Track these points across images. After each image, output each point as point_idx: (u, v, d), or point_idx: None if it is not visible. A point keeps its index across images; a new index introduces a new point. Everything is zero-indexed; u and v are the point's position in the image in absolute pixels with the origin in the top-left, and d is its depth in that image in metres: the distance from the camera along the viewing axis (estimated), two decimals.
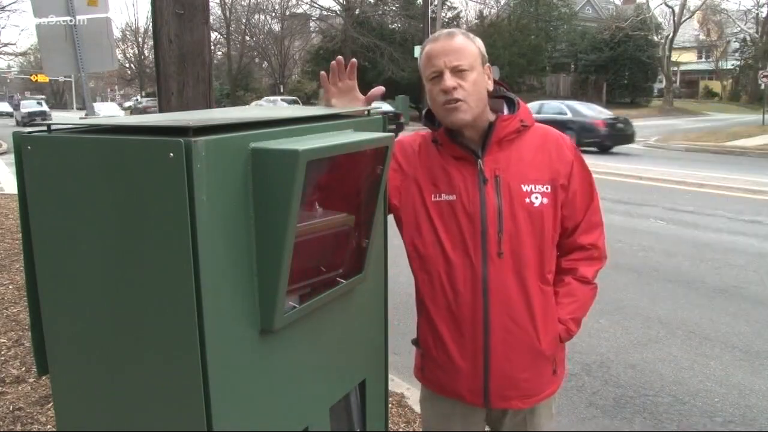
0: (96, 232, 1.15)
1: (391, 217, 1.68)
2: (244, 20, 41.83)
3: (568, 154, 1.66)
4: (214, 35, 38.27)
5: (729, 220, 8.09)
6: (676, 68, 43.12)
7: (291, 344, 1.30)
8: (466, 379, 1.65)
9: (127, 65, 51.45)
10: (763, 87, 26.25)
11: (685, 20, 36.96)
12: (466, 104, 1.54)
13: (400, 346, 2.13)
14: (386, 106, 21.73)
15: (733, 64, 44.35)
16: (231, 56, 42.66)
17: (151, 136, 1.07)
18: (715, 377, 3.78)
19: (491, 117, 1.63)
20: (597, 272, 1.74)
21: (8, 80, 65.25)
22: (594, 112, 16.16)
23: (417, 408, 3.09)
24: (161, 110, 3.41)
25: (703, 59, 47.91)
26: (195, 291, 1.04)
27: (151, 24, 3.71)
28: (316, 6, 38.27)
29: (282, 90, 40.43)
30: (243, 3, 41.46)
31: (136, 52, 51.15)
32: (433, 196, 1.64)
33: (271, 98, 32.95)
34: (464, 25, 37.47)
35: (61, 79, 47.26)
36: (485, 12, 40.57)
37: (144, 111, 34.47)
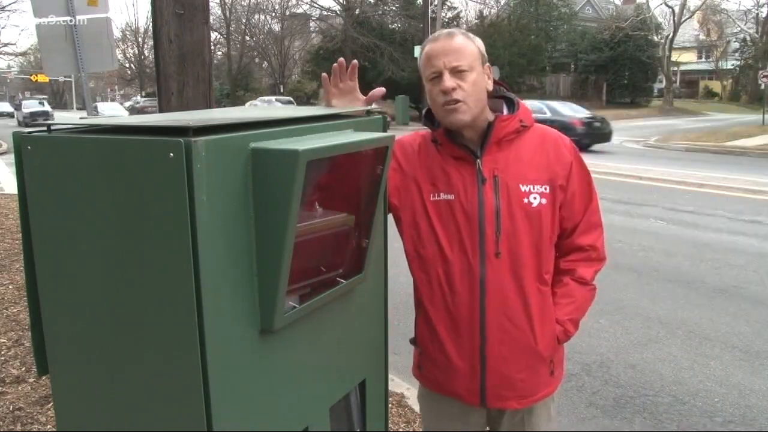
0: (96, 232, 1.15)
1: (390, 217, 1.69)
2: (244, 20, 41.84)
3: (567, 154, 1.66)
4: (214, 35, 38.29)
5: (729, 220, 8.09)
6: (676, 68, 43.13)
7: (291, 344, 1.30)
8: (462, 379, 1.66)
9: (127, 65, 51.45)
10: (763, 87, 26.26)
11: (685, 20, 36.97)
12: (465, 105, 1.54)
13: (400, 346, 2.13)
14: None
15: (733, 64, 44.36)
16: (231, 56, 42.66)
17: (151, 136, 1.07)
18: (715, 377, 3.78)
19: (490, 117, 1.63)
20: (596, 273, 1.74)
21: (8, 80, 65.25)
22: (573, 112, 16.38)
23: (417, 408, 3.09)
24: (161, 110, 3.42)
25: (703, 59, 47.92)
26: (195, 291, 1.04)
27: (151, 24, 3.71)
28: (316, 6, 38.28)
29: (282, 90, 40.45)
30: (243, 3, 41.51)
31: (136, 52, 51.18)
32: (431, 195, 1.64)
33: (266, 98, 33.18)
34: (464, 25, 37.46)
35: (61, 79, 47.24)
36: (485, 12, 40.59)
37: (141, 111, 34.45)
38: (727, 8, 42.14)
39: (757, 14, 40.73)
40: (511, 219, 1.58)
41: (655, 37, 36.64)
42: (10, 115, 41.61)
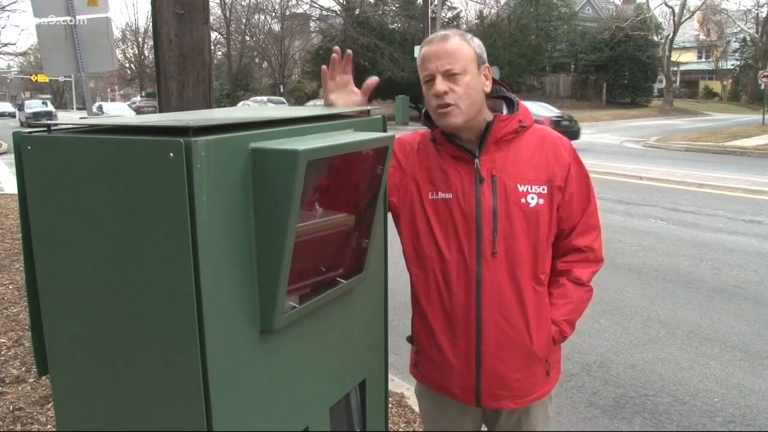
0: (96, 232, 1.15)
1: (390, 217, 1.69)
2: (244, 20, 41.84)
3: (566, 156, 1.66)
4: (214, 35, 38.30)
5: (729, 220, 8.09)
6: (676, 68, 43.14)
7: (291, 344, 1.30)
8: (458, 377, 1.66)
9: (127, 65, 51.45)
10: (763, 87, 26.24)
11: (685, 20, 36.97)
12: (457, 108, 1.54)
13: (400, 346, 2.13)
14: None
15: (733, 64, 44.36)
16: (231, 56, 42.66)
17: (151, 136, 1.07)
18: (715, 377, 3.78)
19: (489, 117, 1.62)
20: (593, 275, 1.74)
21: (8, 80, 65.25)
22: (545, 111, 17.32)
23: (417, 408, 3.09)
24: (161, 110, 3.42)
25: (703, 59, 47.92)
26: (195, 291, 1.04)
27: (151, 24, 3.71)
28: (316, 6, 38.27)
29: (282, 90, 40.46)
30: (243, 3, 41.51)
31: (136, 52, 51.18)
32: (430, 194, 1.64)
33: (258, 98, 33.59)
34: (464, 25, 37.46)
35: (61, 79, 47.30)
36: (485, 12, 40.58)
37: (138, 111, 34.41)
38: (727, 8, 42.20)
39: (757, 14, 40.75)
40: (508, 219, 1.58)
41: (655, 37, 36.66)
42: (12, 115, 41.54)
